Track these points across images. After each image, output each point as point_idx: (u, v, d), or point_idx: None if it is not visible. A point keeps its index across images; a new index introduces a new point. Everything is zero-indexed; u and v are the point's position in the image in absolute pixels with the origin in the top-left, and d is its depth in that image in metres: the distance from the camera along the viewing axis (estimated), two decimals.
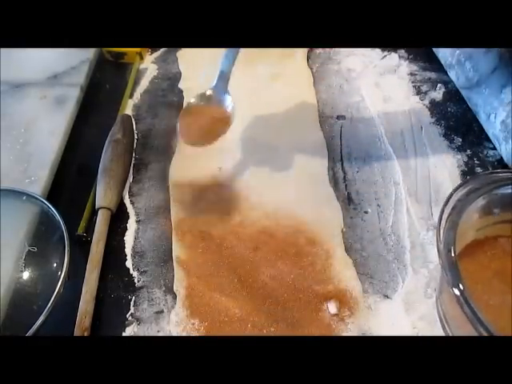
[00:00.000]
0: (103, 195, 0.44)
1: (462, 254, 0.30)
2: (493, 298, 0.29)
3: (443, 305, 0.32)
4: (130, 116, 0.54)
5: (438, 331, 0.36)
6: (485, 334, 0.25)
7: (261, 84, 0.57)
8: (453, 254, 0.27)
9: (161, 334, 0.37)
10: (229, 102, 0.41)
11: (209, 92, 0.42)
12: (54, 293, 0.36)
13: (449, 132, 0.50)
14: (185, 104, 0.44)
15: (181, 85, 0.58)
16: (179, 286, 0.39)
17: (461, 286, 0.26)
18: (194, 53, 0.62)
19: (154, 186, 0.48)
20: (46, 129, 0.52)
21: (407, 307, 0.37)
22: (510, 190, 0.30)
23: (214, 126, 0.41)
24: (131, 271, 0.41)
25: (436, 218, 0.42)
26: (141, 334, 0.37)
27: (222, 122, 0.41)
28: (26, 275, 0.39)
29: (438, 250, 0.28)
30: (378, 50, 0.61)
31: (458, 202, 0.29)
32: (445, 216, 0.29)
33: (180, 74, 0.60)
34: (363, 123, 0.51)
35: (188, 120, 0.42)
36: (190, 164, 0.49)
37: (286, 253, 0.41)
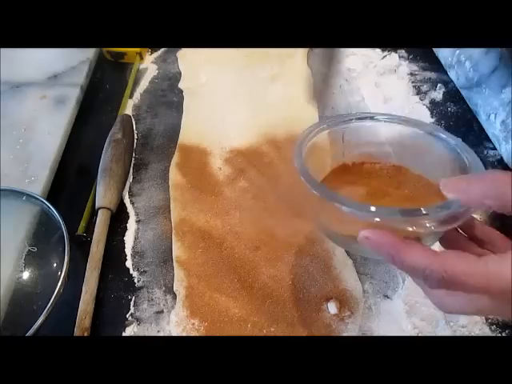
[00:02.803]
0: (103, 195, 0.44)
1: (329, 175, 0.33)
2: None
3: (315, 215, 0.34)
4: (130, 116, 0.54)
5: (438, 331, 0.36)
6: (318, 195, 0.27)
7: (261, 84, 0.57)
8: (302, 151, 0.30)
9: (161, 334, 0.37)
10: None
11: None
12: (53, 293, 0.36)
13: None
14: None
15: (181, 85, 0.59)
16: (179, 286, 0.39)
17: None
18: (193, 53, 0.63)
19: (153, 186, 0.48)
20: (45, 129, 0.52)
21: (407, 307, 0.37)
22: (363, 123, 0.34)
23: None
24: (131, 271, 0.41)
25: None
26: (141, 334, 0.37)
27: None
28: (25, 275, 0.39)
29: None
30: (378, 50, 0.61)
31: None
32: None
33: (180, 73, 0.60)
34: None
35: None
36: (190, 164, 0.49)
37: (286, 253, 0.41)
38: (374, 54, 0.60)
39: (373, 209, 0.25)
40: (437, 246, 0.28)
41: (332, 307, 0.37)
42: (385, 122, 0.33)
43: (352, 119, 0.33)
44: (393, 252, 0.24)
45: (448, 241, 0.28)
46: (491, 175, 0.24)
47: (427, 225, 0.24)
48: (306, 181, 0.28)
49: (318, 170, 0.32)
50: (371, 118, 0.34)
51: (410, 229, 0.25)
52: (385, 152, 0.33)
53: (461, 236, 0.28)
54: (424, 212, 0.24)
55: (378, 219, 0.25)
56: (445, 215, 0.25)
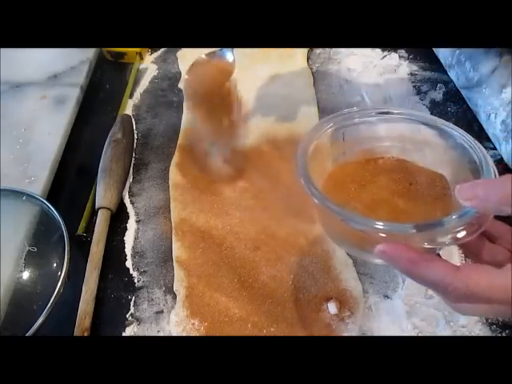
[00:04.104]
0: (103, 195, 0.44)
1: (331, 176, 0.33)
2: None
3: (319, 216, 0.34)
4: (130, 116, 0.54)
5: (438, 331, 0.36)
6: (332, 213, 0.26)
7: (261, 84, 0.57)
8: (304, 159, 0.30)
9: (161, 334, 0.37)
10: (230, 55, 0.46)
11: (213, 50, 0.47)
12: (53, 293, 0.36)
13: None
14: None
15: (181, 85, 0.59)
16: (179, 286, 0.39)
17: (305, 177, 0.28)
18: (193, 53, 0.62)
19: (153, 186, 0.48)
20: (46, 129, 0.52)
21: (407, 307, 0.37)
22: (356, 120, 0.33)
23: (218, 76, 0.46)
24: (131, 271, 0.41)
25: None
26: (141, 334, 0.37)
27: (225, 72, 0.45)
28: (25, 275, 0.39)
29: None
30: (378, 50, 0.61)
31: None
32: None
33: (180, 74, 0.60)
34: None
35: (195, 72, 0.46)
36: (190, 164, 0.49)
37: (286, 253, 0.41)
38: (374, 53, 0.60)
39: (385, 227, 0.24)
40: None
41: (332, 307, 0.37)
42: (386, 118, 0.33)
43: (353, 118, 0.33)
44: (411, 267, 0.24)
45: None
46: (510, 180, 0.23)
47: (443, 240, 0.24)
48: (313, 195, 0.27)
49: (321, 172, 0.31)
50: (373, 115, 0.33)
51: (426, 245, 0.24)
52: (387, 147, 0.33)
53: None
54: (439, 225, 0.24)
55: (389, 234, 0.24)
56: (461, 226, 0.24)
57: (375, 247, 0.25)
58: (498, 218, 0.26)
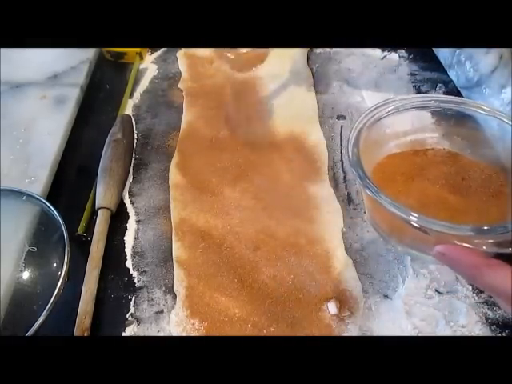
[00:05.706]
0: (103, 195, 0.44)
1: (380, 167, 0.31)
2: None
3: (368, 214, 0.33)
4: (130, 116, 0.54)
5: (438, 331, 0.36)
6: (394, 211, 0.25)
7: (261, 84, 0.57)
8: (356, 151, 0.29)
9: (161, 334, 0.37)
10: None
11: None
12: (53, 293, 0.36)
13: None
14: None
15: (181, 85, 0.59)
16: (179, 286, 0.39)
17: (360, 173, 0.27)
18: (193, 53, 0.63)
19: (154, 186, 0.48)
20: (45, 129, 0.52)
21: (407, 307, 0.37)
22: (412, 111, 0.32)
23: None
24: (131, 271, 0.41)
25: None
26: (141, 334, 0.37)
27: None
28: (25, 275, 0.39)
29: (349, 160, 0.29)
30: (378, 50, 0.61)
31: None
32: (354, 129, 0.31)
33: (180, 74, 0.60)
34: None
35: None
36: (190, 164, 0.49)
37: (286, 253, 0.41)
38: (374, 53, 0.60)
39: (442, 226, 0.23)
40: None
41: (332, 307, 0.37)
42: (438, 107, 0.31)
43: (403, 106, 0.31)
44: (474, 273, 0.23)
45: None
46: None
47: (505, 248, 0.23)
48: (366, 187, 0.26)
49: (369, 163, 0.30)
50: (424, 103, 0.31)
51: (485, 249, 0.23)
52: (438, 138, 0.31)
53: None
54: (503, 229, 0.22)
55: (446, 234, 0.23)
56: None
57: (426, 244, 0.24)
58: None
